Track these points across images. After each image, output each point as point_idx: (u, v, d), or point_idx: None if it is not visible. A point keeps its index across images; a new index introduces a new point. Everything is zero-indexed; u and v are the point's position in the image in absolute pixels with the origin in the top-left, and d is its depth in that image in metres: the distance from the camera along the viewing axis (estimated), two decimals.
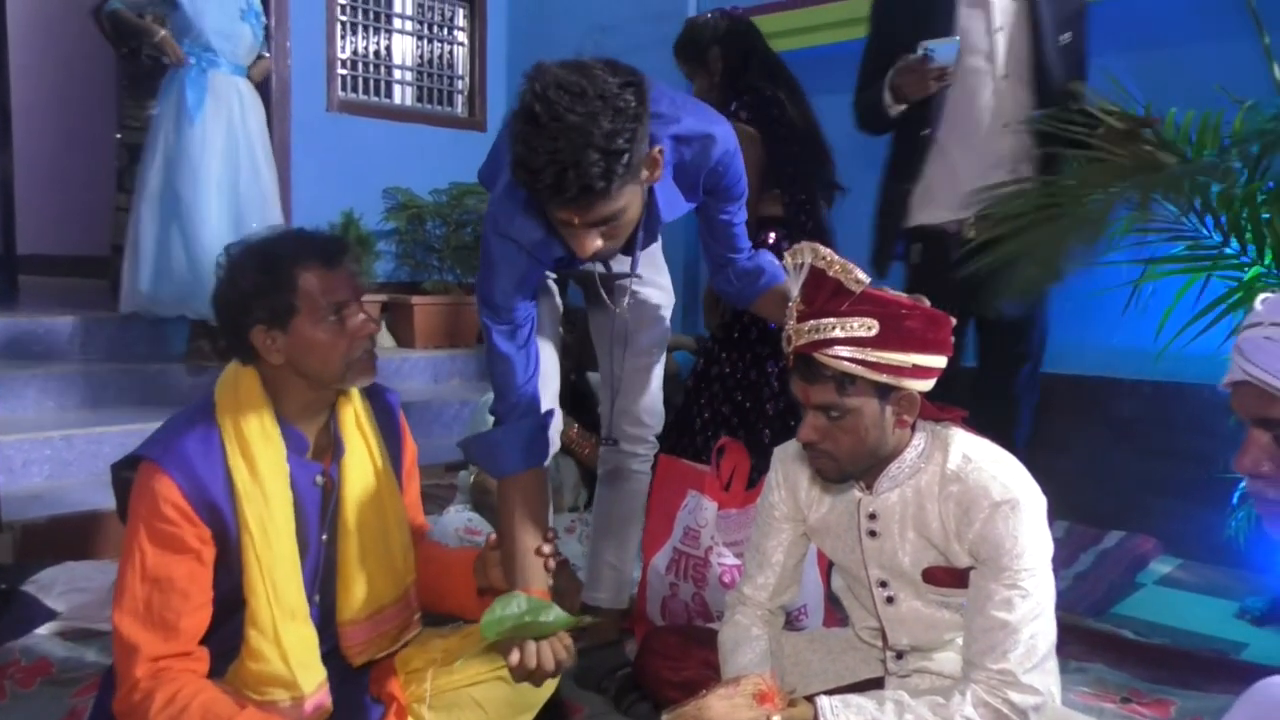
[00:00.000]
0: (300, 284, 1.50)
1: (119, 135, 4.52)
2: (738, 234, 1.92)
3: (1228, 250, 2.36)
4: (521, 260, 1.68)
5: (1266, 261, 2.28)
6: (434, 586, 1.75)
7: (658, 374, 2.17)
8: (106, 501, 1.61)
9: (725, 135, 1.77)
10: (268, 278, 1.51)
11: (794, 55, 3.60)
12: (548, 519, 1.70)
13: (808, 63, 3.50)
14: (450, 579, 1.75)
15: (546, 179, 1.39)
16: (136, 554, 1.45)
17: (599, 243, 1.52)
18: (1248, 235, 2.30)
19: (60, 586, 2.48)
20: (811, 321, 1.45)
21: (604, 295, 1.94)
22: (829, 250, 1.47)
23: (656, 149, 1.54)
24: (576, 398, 3.09)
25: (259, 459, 1.51)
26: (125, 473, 1.53)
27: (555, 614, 1.51)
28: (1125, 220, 2.53)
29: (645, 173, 1.52)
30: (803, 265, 1.49)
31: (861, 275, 1.44)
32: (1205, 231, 2.39)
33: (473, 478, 2.86)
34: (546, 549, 1.65)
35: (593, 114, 1.37)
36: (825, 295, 1.45)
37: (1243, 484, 1.43)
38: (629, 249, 1.76)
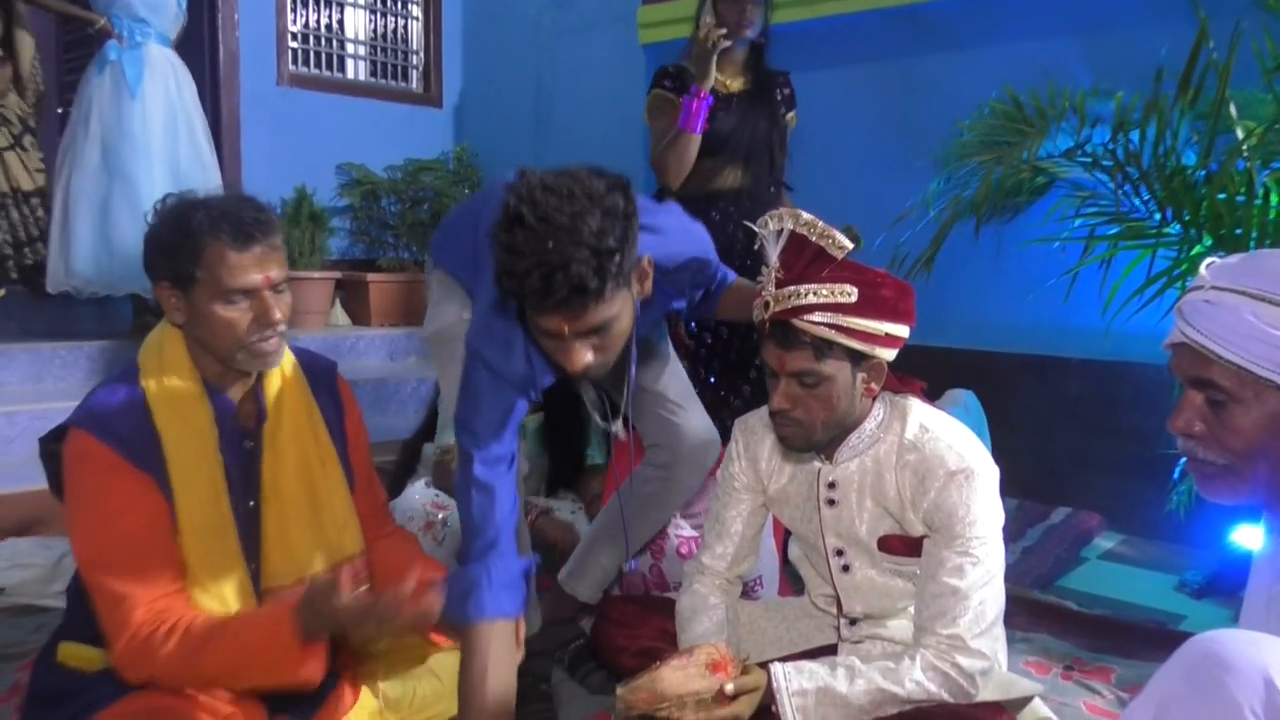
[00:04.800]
0: (205, 257, 1.42)
1: None
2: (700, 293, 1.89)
3: (1169, 230, 2.42)
4: (508, 393, 1.60)
5: (1206, 243, 2.34)
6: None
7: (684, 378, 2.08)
8: None
9: (704, 247, 1.75)
10: (175, 240, 1.44)
11: (791, 28, 3.51)
12: (514, 682, 1.59)
13: (805, 36, 3.46)
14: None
15: (534, 282, 1.32)
16: (93, 514, 1.41)
17: (589, 356, 1.43)
18: (1186, 216, 2.36)
19: (2, 563, 2.44)
20: (791, 288, 1.45)
21: (602, 417, 1.90)
22: (810, 215, 1.46)
23: (646, 259, 1.48)
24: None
25: (185, 423, 1.47)
26: (53, 445, 1.48)
27: None
28: (1070, 200, 2.59)
29: (636, 286, 1.46)
30: (781, 231, 1.48)
31: (845, 241, 1.44)
32: (1146, 211, 2.46)
33: (435, 456, 2.79)
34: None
35: (580, 213, 1.31)
36: (805, 261, 1.45)
37: (1183, 460, 1.47)
38: (620, 369, 1.62)
